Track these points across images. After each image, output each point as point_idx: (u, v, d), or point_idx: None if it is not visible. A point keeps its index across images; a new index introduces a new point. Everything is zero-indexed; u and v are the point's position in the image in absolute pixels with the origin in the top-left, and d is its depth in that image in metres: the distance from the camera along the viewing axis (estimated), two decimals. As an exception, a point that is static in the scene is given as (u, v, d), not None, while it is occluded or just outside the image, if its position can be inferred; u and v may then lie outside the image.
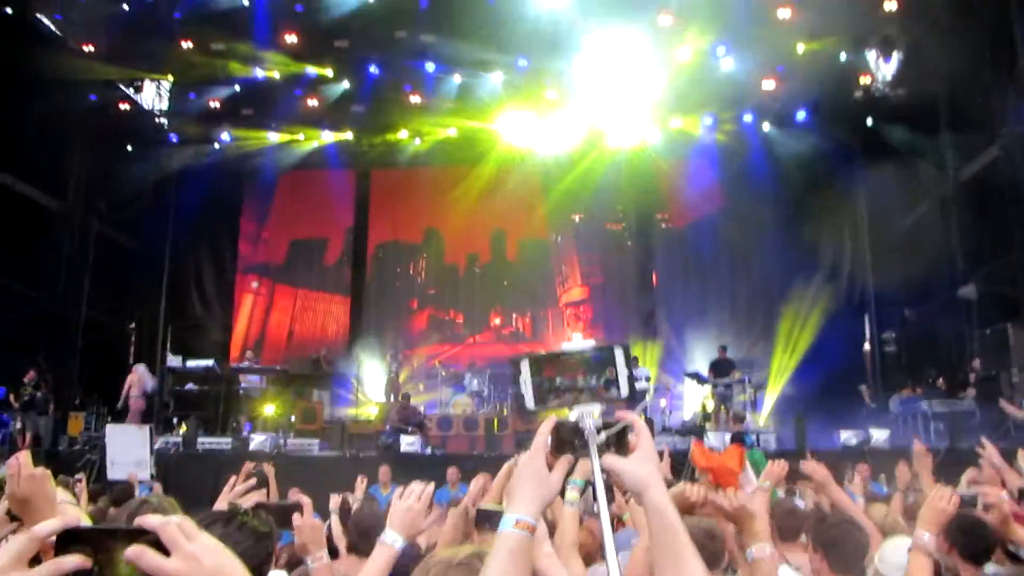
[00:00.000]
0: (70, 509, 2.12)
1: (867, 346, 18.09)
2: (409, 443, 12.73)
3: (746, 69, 16.65)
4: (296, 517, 2.70)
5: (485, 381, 15.86)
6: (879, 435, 12.48)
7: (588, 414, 1.59)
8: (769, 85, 16.93)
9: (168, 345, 18.34)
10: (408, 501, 2.52)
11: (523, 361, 1.62)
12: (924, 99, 16.19)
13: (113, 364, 18.13)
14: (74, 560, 1.15)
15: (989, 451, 4.61)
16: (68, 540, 1.17)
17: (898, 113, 16.73)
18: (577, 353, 1.59)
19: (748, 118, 17.86)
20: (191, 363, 15.52)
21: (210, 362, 15.49)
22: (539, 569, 2.17)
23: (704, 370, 16.02)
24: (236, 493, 3.06)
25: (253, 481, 3.07)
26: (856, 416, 14.70)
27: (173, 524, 1.13)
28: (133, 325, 19.13)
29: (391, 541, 2.44)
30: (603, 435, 1.56)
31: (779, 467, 3.69)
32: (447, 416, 15.00)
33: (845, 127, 17.32)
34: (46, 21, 15.22)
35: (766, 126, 18.02)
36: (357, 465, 11.54)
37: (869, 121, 17.52)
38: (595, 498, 1.55)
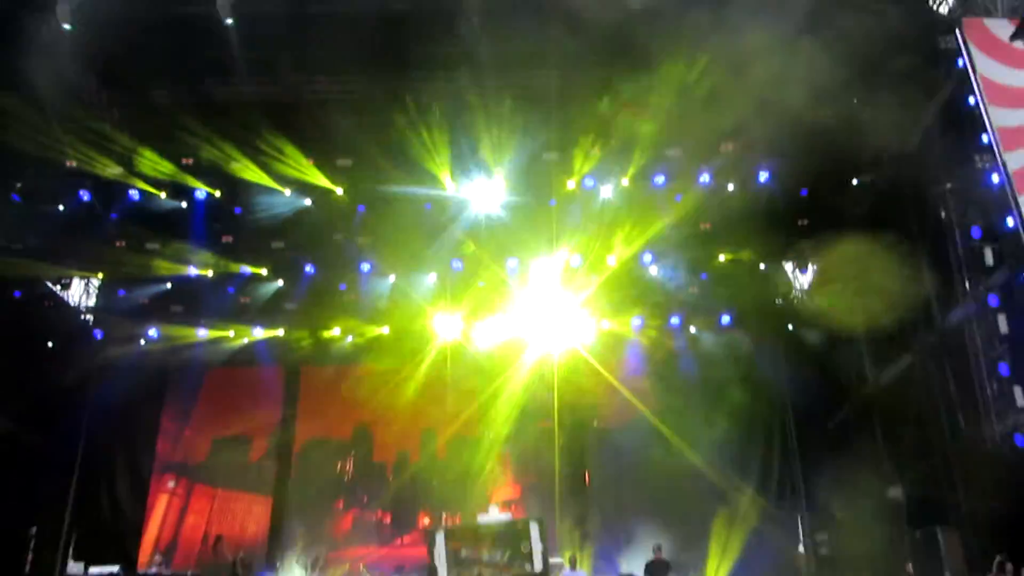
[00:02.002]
0: None
1: (801, 548, 17.95)
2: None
3: (671, 275, 17.45)
4: None
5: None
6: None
7: None
8: (693, 290, 17.71)
9: (71, 551, 17.16)
10: None
11: (437, 533, 1.57)
12: (841, 309, 17.08)
13: (8, 570, 16.72)
14: None
15: None
16: None
17: (817, 319, 17.57)
18: (492, 526, 1.56)
19: (675, 320, 18.47)
20: (94, 570, 14.46)
21: (115, 568, 14.46)
22: None
23: (639, 571, 15.60)
24: None
25: None
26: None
27: None
28: (34, 529, 17.80)
29: None
30: None
31: None
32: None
33: (768, 331, 18.01)
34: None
35: (692, 329, 18.63)
36: None
37: (790, 326, 18.28)
38: None
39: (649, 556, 15.81)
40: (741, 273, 17.15)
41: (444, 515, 18.87)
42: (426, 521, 18.92)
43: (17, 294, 16.52)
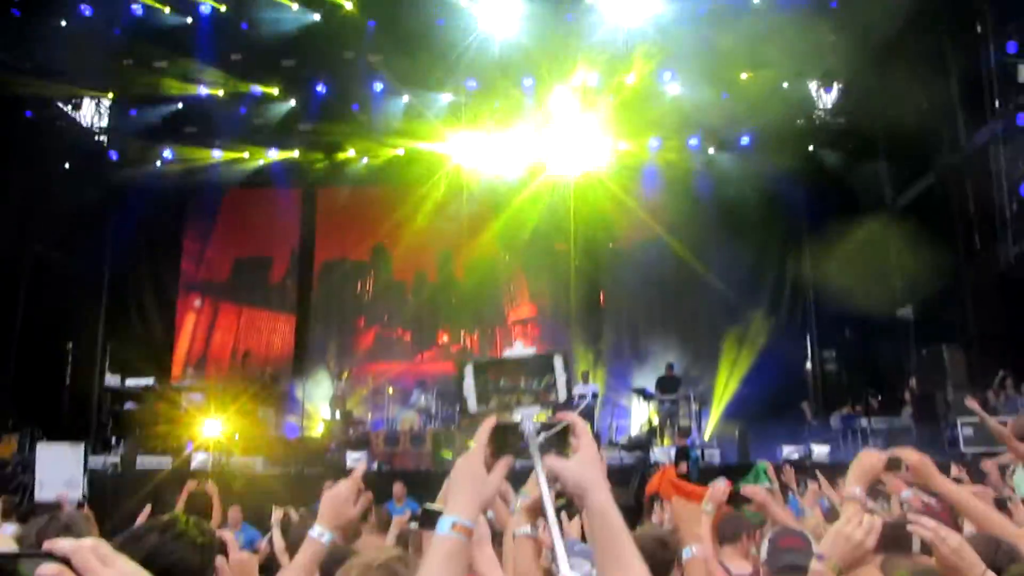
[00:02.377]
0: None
1: (809, 364, 18.47)
2: (354, 459, 12.62)
3: (691, 95, 17.01)
4: (220, 560, 2.32)
5: (432, 398, 15.80)
6: (820, 451, 12.74)
7: (529, 417, 1.59)
8: (713, 111, 17.31)
9: (107, 364, 17.96)
10: (336, 488, 2.36)
11: (467, 366, 1.63)
12: (863, 128, 16.73)
13: (50, 385, 17.65)
14: None
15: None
16: None
17: (838, 140, 17.24)
18: (518, 359, 1.61)
19: (693, 142, 18.18)
20: (130, 381, 15.18)
21: (150, 380, 15.17)
22: (480, 573, 2.17)
23: (650, 387, 16.23)
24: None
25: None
26: (798, 432, 14.99)
27: (86, 548, 1.08)
28: (70, 345, 18.61)
29: (317, 535, 2.27)
30: (543, 436, 1.57)
31: (720, 490, 3.72)
32: (394, 432, 14.91)
33: (787, 153, 17.72)
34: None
35: (711, 150, 18.36)
36: (302, 482, 11.43)
37: (811, 147, 17.97)
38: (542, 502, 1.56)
39: (661, 373, 16.43)
40: (763, 92, 16.64)
41: (463, 333, 19.49)
42: (444, 339, 19.56)
43: (29, 114, 16.42)
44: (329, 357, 18.78)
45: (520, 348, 1.68)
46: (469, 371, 1.62)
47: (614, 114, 17.35)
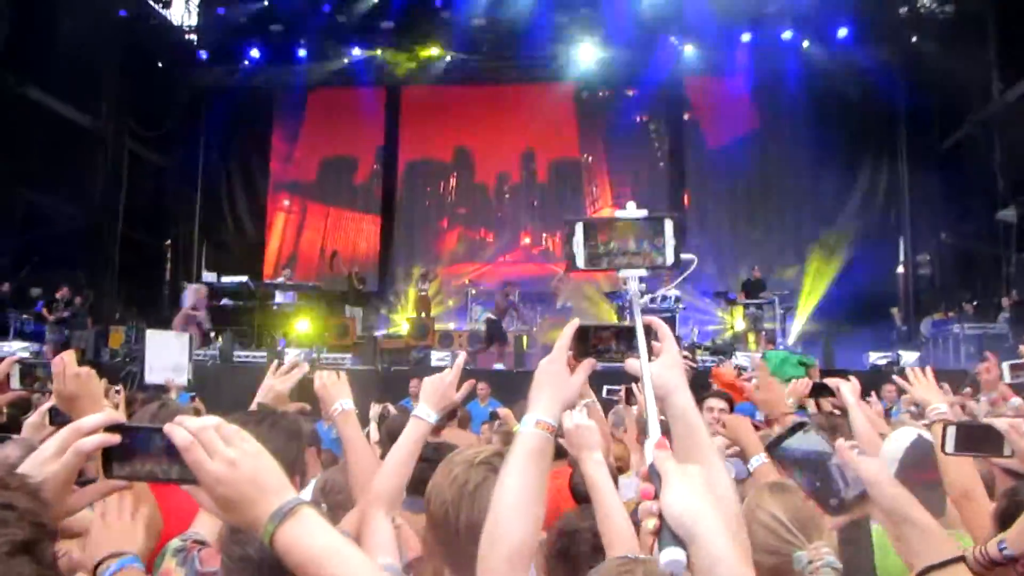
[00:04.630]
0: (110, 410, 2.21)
1: (901, 269, 17.90)
2: (439, 358, 12.96)
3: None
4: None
5: (516, 299, 15.95)
6: (909, 357, 12.45)
7: (634, 277, 1.61)
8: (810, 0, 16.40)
9: (203, 262, 18.69)
10: (439, 375, 2.40)
11: (578, 223, 1.63)
12: (971, 16, 15.60)
13: (150, 280, 18.53)
14: (100, 438, 1.21)
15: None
16: (119, 431, 1.23)
17: (944, 31, 16.14)
18: (629, 220, 1.61)
19: (787, 35, 17.31)
20: (226, 279, 15.76)
21: (244, 278, 15.72)
22: (588, 475, 2.23)
23: (735, 291, 16.00)
24: (281, 372, 3.03)
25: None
26: (886, 339, 14.66)
27: (211, 428, 1.17)
28: (168, 242, 19.40)
29: (424, 415, 2.30)
30: (624, 341, 1.59)
31: (802, 385, 3.71)
32: (477, 332, 15.18)
33: (888, 45, 16.73)
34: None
35: (805, 43, 17.46)
36: (389, 379, 11.82)
37: (913, 39, 16.92)
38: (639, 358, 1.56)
39: (746, 275, 16.13)
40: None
41: (544, 235, 19.48)
42: (527, 240, 19.60)
43: (123, 13, 16.66)
44: (413, 257, 19.07)
45: (632, 209, 1.64)
46: (579, 228, 1.62)
47: (705, 5, 16.59)
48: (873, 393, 5.23)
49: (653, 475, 1.13)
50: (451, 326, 16.27)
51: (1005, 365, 4.59)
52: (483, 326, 15.35)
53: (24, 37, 13.86)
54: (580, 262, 1.63)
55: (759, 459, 2.72)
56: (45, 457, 1.24)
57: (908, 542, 1.78)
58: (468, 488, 1.93)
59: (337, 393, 2.59)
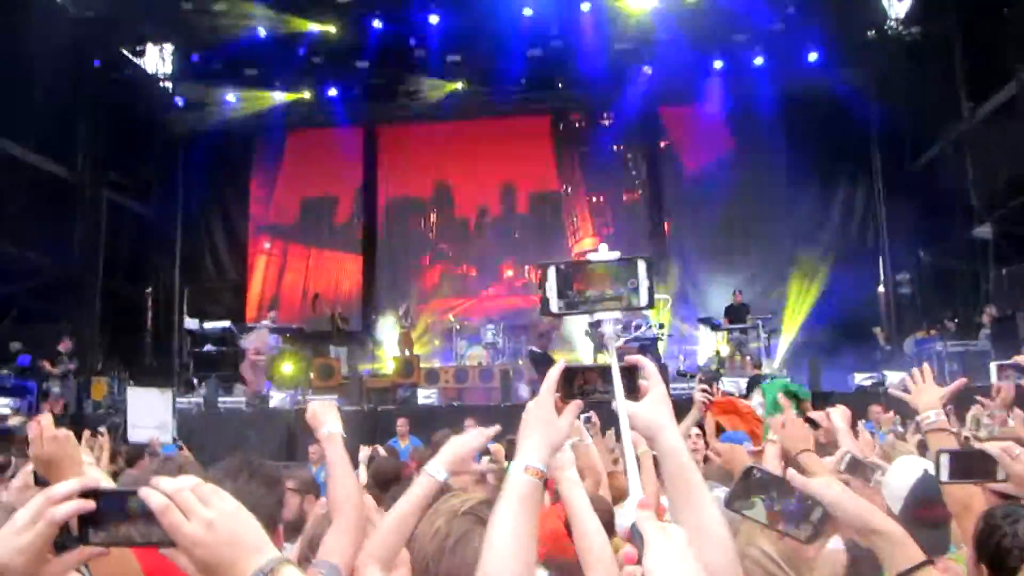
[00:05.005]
0: (90, 471, 2.18)
1: (881, 288, 18.05)
2: (426, 396, 12.91)
3: (756, 8, 16.38)
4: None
5: (499, 333, 15.95)
6: (893, 377, 12.50)
7: (609, 320, 1.62)
8: (780, 25, 16.68)
9: (185, 308, 18.60)
10: (464, 437, 2.38)
11: (550, 267, 1.64)
12: (938, 38, 15.91)
13: (131, 329, 18.39)
14: (74, 505, 1.19)
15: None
16: (94, 497, 1.21)
17: (911, 52, 16.45)
18: (601, 262, 1.62)
19: (758, 60, 17.57)
20: (208, 325, 15.68)
21: (227, 323, 15.65)
22: (563, 494, 2.20)
23: (718, 316, 16.07)
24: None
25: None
26: (871, 359, 14.73)
27: (187, 489, 1.15)
28: (149, 290, 19.30)
29: (434, 472, 2.27)
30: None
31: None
32: (462, 368, 15.14)
33: (857, 68, 17.03)
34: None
35: (776, 67, 17.73)
36: (375, 419, 11.75)
37: (882, 61, 17.23)
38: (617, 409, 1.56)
39: (728, 301, 16.22)
40: (832, 3, 15.94)
41: (527, 267, 19.53)
42: (509, 273, 19.63)
43: (97, 63, 16.71)
44: (396, 295, 19.05)
45: (604, 251, 1.65)
46: (552, 273, 1.63)
47: (674, 29, 16.84)
48: (859, 422, 5.25)
49: (636, 536, 1.12)
50: (436, 363, 16.21)
51: (992, 365, 4.67)
52: (468, 360, 15.35)
53: (-3, 91, 13.87)
54: (553, 307, 1.64)
55: None
56: (17, 528, 1.21)
57: (879, 552, 1.78)
58: (449, 543, 1.89)
59: (325, 418, 2.62)
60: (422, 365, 15.16)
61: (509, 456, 2.39)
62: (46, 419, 2.08)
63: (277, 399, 13.09)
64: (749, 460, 2.92)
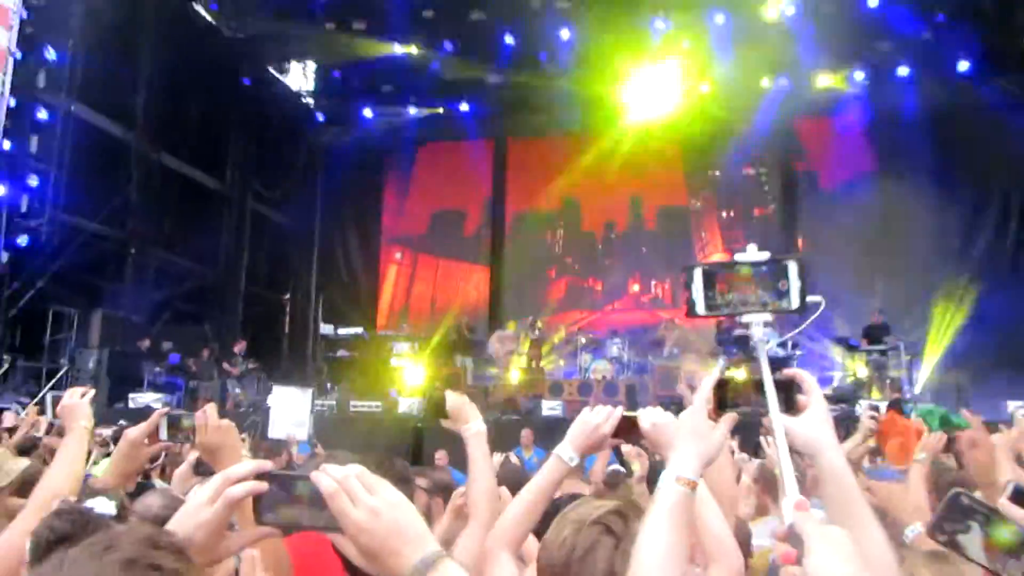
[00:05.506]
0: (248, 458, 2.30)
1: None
2: (550, 407, 12.92)
3: (901, 16, 15.67)
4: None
5: (625, 347, 15.79)
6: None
7: (758, 323, 1.56)
8: (928, 34, 15.88)
9: (320, 314, 19.33)
10: (596, 419, 2.22)
11: (696, 268, 1.60)
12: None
13: (271, 332, 19.31)
14: (250, 486, 1.25)
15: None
16: (266, 479, 1.27)
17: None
18: (750, 262, 1.56)
19: (903, 71, 16.78)
20: (342, 331, 16.22)
21: (359, 330, 16.14)
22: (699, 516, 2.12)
23: (856, 335, 15.36)
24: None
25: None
26: (1026, 385, 13.75)
27: (353, 476, 1.19)
28: (287, 296, 20.21)
29: (566, 456, 2.18)
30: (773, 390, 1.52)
31: (936, 439, 3.52)
32: (587, 382, 15.06)
33: (1013, 76, 16.01)
34: (202, 11, 16.10)
35: (923, 77, 16.88)
36: (499, 429, 11.83)
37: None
38: (770, 416, 1.49)
39: (867, 320, 15.48)
40: (986, 9, 15.06)
41: (653, 283, 19.29)
42: (635, 288, 19.45)
43: (247, 81, 17.68)
44: (522, 307, 19.18)
45: (753, 251, 1.59)
46: (698, 274, 1.59)
47: (814, 40, 16.32)
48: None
49: (794, 538, 1.08)
50: (561, 374, 16.22)
51: None
52: (593, 374, 15.25)
53: (158, 107, 14.90)
54: (700, 308, 1.59)
55: (914, 529, 2.56)
56: (198, 504, 1.28)
57: None
58: (576, 554, 1.82)
59: (470, 415, 2.65)
60: (546, 378, 15.19)
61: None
62: (211, 409, 2.21)
63: (406, 405, 13.39)
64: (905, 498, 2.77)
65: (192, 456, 2.71)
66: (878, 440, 4.79)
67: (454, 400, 2.66)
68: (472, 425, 2.63)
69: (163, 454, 4.06)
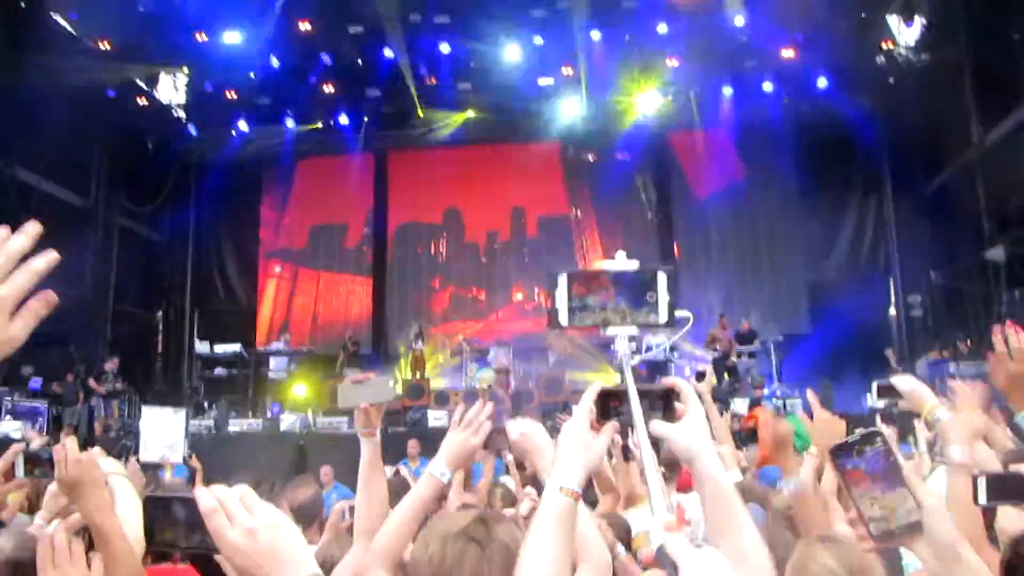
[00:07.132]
0: (118, 481, 2.20)
1: (892, 310, 17.99)
2: (436, 418, 12.90)
3: (765, 36, 16.47)
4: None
5: (510, 356, 15.93)
6: (902, 383, 12.39)
7: (623, 336, 1.54)
8: (788, 53, 16.76)
9: (196, 332, 18.67)
10: (464, 434, 2.28)
11: (560, 275, 1.56)
12: (948, 63, 15.95)
13: (143, 352, 18.46)
14: None
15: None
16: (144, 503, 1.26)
17: (922, 78, 16.49)
18: (617, 272, 1.53)
19: (768, 87, 17.64)
20: (219, 348, 15.73)
21: (237, 347, 15.69)
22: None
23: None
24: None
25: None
26: (883, 380, 14.59)
27: (234, 496, 1.17)
28: (160, 314, 19.40)
29: (438, 472, 2.21)
30: (646, 401, 1.52)
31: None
32: (472, 391, 15.09)
33: (868, 93, 17.07)
34: (62, 21, 15.25)
35: (786, 92, 17.78)
36: (386, 441, 11.72)
37: (892, 86, 17.26)
38: (634, 435, 1.51)
39: (737, 325, 16.17)
40: (841, 30, 16.01)
41: (537, 290, 19.52)
42: (519, 296, 19.64)
43: (111, 94, 16.87)
44: (406, 318, 19.06)
45: (622, 259, 1.55)
46: (563, 281, 1.54)
47: (684, 59, 16.98)
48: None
49: (663, 560, 1.08)
50: (444, 384, 16.22)
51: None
52: (479, 384, 15.30)
53: (12, 119, 14.00)
54: (563, 318, 1.56)
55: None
56: None
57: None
58: (445, 568, 1.81)
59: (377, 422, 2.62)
60: (432, 387, 15.16)
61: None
62: (71, 442, 2.10)
63: (287, 422, 13.09)
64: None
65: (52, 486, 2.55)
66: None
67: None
68: (378, 435, 2.59)
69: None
